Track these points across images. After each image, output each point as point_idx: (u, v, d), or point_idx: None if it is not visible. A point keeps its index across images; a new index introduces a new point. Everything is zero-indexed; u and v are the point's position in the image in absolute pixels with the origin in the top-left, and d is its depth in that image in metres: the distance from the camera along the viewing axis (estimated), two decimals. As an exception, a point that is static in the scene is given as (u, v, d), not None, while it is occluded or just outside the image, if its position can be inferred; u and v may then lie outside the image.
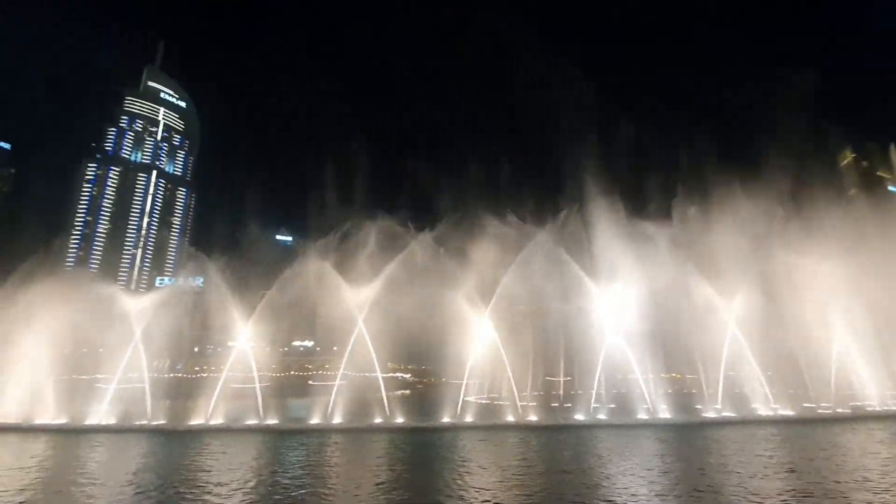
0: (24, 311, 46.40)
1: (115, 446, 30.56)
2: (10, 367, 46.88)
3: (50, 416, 43.69)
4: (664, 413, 42.63)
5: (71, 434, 37.27)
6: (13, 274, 51.45)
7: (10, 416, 41.97)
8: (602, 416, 43.24)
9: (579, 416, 43.65)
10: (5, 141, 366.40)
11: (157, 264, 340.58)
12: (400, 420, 42.35)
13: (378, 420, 42.37)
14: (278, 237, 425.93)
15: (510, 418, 42.26)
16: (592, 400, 47.65)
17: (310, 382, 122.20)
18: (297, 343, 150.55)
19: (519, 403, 48.84)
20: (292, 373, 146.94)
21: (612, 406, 50.20)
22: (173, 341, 67.84)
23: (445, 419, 41.04)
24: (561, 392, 63.84)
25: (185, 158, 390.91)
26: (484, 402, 62.45)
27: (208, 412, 44.00)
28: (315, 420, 42.20)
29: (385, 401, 46.66)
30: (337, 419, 42.68)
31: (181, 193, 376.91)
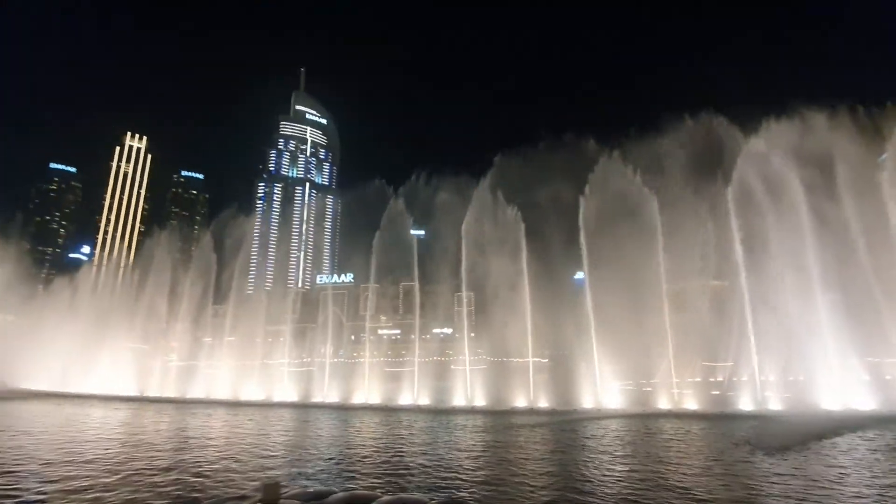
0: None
1: (333, 418, 36.32)
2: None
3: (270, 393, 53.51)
4: (860, 404, 35.28)
5: (301, 408, 45.11)
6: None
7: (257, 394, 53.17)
8: (774, 406, 37.50)
9: (745, 406, 38.55)
10: (200, 172, 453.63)
11: (317, 263, 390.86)
12: (544, 404, 42.22)
13: (522, 404, 42.87)
14: (412, 231, 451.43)
15: (663, 405, 39.13)
16: (759, 387, 41.62)
17: (451, 367, 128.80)
18: (437, 330, 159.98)
19: (674, 390, 45.01)
20: (434, 358, 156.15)
21: (788, 395, 43.26)
22: (335, 331, 77.49)
23: (588, 405, 39.73)
24: (724, 378, 56.97)
25: (330, 169, 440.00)
26: (631, 387, 58.81)
27: (367, 392, 49.28)
28: (460, 402, 44.30)
29: (530, 384, 46.94)
30: (480, 402, 44.33)
31: (329, 200, 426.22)
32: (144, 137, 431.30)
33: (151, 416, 39.34)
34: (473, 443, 24.83)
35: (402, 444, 24.35)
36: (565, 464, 19.41)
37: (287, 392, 54.22)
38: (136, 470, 18.07)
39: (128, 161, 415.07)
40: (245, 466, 18.87)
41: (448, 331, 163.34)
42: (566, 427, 30.38)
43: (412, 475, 17.20)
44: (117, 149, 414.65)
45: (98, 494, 14.72)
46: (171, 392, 60.69)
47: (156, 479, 16.64)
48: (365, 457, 20.81)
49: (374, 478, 16.75)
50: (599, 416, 35.34)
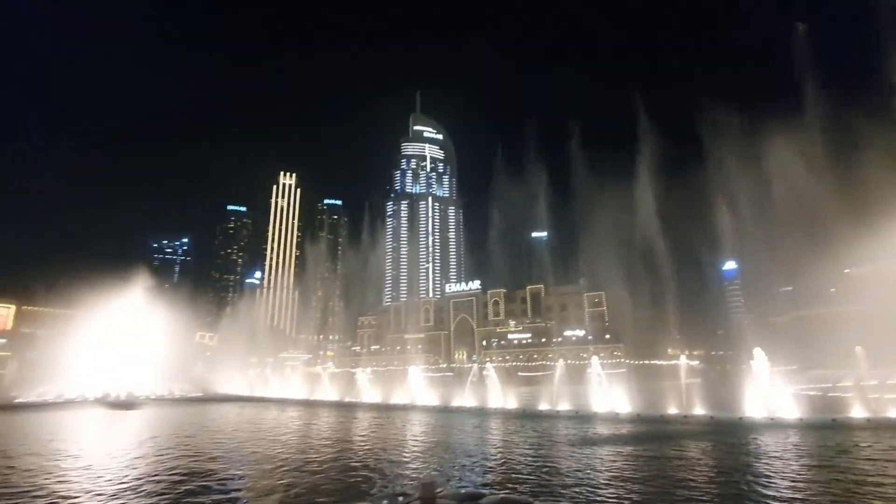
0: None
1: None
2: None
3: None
4: None
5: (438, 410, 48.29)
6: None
7: (403, 398, 57.51)
8: None
9: None
10: (339, 199, 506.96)
11: (444, 273, 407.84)
12: (700, 411, 38.04)
13: (672, 410, 39.19)
14: (534, 234, 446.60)
15: (859, 412, 32.32)
16: None
17: (588, 371, 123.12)
18: (568, 333, 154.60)
19: (870, 395, 37.15)
20: (569, 361, 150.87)
21: None
22: (467, 337, 79.65)
23: (756, 413, 34.59)
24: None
25: (450, 181, 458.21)
26: (811, 392, 50.22)
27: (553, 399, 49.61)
28: (601, 408, 42.08)
29: (682, 388, 42.83)
30: (625, 408, 41.61)
31: (451, 211, 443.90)
32: (294, 174, 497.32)
33: (322, 416, 44.91)
34: (632, 455, 23.47)
35: (551, 452, 24.05)
36: (760, 484, 17.29)
37: (428, 397, 57.24)
38: (312, 460, 20.87)
39: (282, 196, 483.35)
40: (401, 464, 20.49)
41: (580, 333, 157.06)
42: (736, 438, 26.99)
43: (579, 487, 16.92)
44: (274, 187, 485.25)
45: (290, 480, 17.37)
46: (331, 396, 68.38)
47: (346, 467, 19.01)
48: (514, 462, 21.03)
49: (527, 484, 16.85)
50: (773, 425, 30.64)
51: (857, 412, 32.68)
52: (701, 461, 20.83)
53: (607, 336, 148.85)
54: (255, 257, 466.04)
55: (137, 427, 38.65)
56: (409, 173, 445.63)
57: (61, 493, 16.39)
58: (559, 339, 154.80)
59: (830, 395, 48.39)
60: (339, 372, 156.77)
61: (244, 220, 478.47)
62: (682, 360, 49.13)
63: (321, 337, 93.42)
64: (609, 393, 46.11)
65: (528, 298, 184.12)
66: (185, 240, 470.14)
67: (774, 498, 14.56)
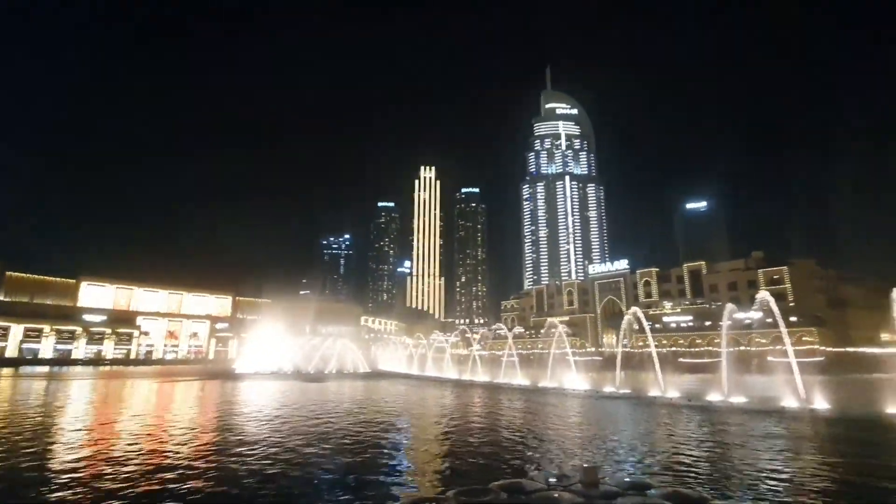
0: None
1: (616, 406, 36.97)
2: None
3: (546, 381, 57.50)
4: None
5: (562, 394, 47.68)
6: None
7: (550, 381, 58.12)
8: None
9: None
10: (476, 187, 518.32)
11: (586, 253, 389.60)
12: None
13: (893, 409, 31.60)
14: (689, 205, 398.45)
15: None
16: None
17: (769, 359, 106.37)
18: (740, 315, 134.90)
19: None
20: (740, 347, 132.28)
21: None
22: (617, 320, 75.11)
23: None
24: None
25: (588, 157, 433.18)
26: None
27: (663, 385, 45.73)
28: (790, 402, 35.95)
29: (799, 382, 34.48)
30: (821, 403, 34.87)
31: (591, 189, 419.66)
32: (433, 167, 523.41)
33: (475, 395, 47.22)
34: (825, 461, 19.90)
35: (724, 447, 21.62)
36: None
37: (577, 381, 55.72)
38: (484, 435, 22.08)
39: (424, 189, 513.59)
40: (549, 446, 20.42)
41: (756, 315, 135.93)
42: None
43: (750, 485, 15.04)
44: (416, 181, 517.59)
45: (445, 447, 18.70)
46: (481, 377, 71.27)
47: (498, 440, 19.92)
48: (681, 454, 19.40)
49: (698, 478, 15.42)
50: None
51: None
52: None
53: (792, 318, 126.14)
54: (404, 248, 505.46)
55: (334, 393, 45.47)
56: (544, 153, 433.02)
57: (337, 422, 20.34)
58: (729, 322, 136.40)
59: None
60: (486, 354, 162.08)
61: (392, 215, 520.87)
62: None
63: (467, 321, 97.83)
64: (800, 385, 38.97)
65: (687, 277, 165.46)
66: (347, 236, 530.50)
67: None
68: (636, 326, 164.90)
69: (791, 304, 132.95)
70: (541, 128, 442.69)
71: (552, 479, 12.08)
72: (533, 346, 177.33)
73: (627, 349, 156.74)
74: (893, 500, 13.42)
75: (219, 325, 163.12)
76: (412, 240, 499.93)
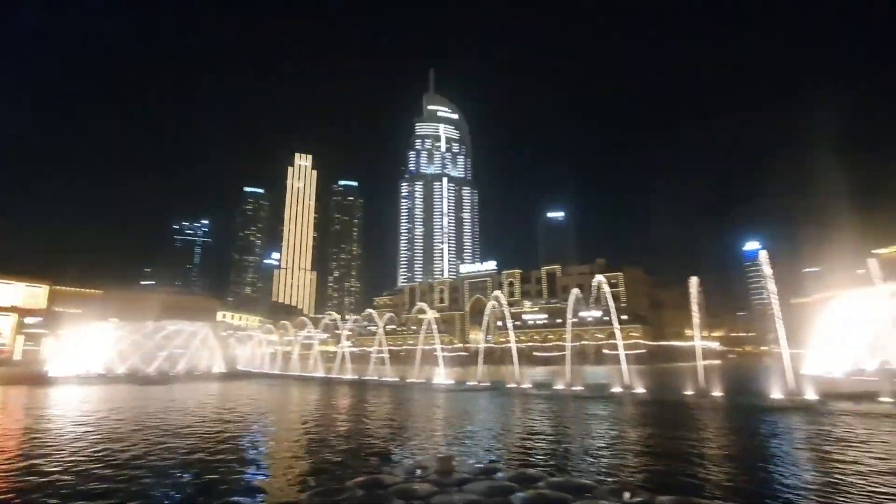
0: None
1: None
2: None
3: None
4: None
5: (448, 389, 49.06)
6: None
7: (418, 376, 58.45)
8: None
9: None
10: (354, 180, 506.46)
11: (459, 253, 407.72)
12: (717, 392, 37.74)
13: (689, 392, 38.96)
14: (550, 214, 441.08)
15: (886, 398, 31.66)
16: None
17: (604, 351, 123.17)
18: (584, 314, 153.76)
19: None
20: (584, 342, 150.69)
21: None
22: (481, 317, 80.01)
23: (777, 395, 34.16)
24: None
25: (465, 161, 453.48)
26: (837, 377, 49.34)
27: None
28: (617, 388, 42.08)
29: (699, 369, 42.56)
30: (639, 388, 41.55)
31: (466, 191, 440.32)
32: (310, 155, 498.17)
33: (343, 393, 45.93)
34: (645, 434, 23.48)
35: (565, 429, 24.21)
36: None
37: (443, 375, 57.94)
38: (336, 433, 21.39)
39: (298, 177, 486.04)
40: (412, 440, 20.84)
41: (597, 314, 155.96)
42: (743, 421, 26.74)
43: (581, 460, 17.00)
44: (289, 168, 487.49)
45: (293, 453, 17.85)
46: (350, 374, 69.84)
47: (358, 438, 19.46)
48: (530, 438, 21.20)
49: (542, 459, 16.99)
50: (793, 405, 30.20)
51: (886, 396, 31.98)
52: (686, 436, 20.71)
53: (624, 317, 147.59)
54: (273, 238, 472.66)
55: (178, 397, 40.03)
56: (424, 153, 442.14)
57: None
58: (575, 320, 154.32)
59: (855, 378, 47.50)
60: (356, 351, 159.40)
61: (261, 202, 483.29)
62: (700, 342, 48.41)
63: (338, 317, 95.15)
64: (624, 374, 46.02)
65: (544, 279, 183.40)
66: (206, 221, 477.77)
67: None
68: (499, 322, 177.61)
69: (623, 304, 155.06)
70: (422, 128, 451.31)
71: (410, 472, 12.27)
72: (404, 342, 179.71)
73: (491, 344, 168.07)
74: (692, 458, 16.37)
75: (29, 320, 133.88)
76: (283, 230, 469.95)
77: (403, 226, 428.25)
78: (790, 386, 35.32)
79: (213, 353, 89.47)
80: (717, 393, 37.59)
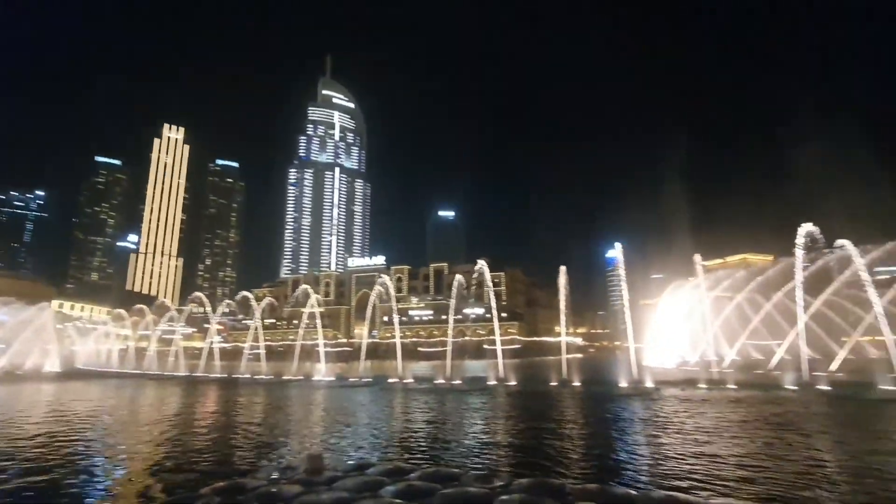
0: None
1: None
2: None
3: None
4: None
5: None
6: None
7: (296, 373, 54.75)
8: (822, 386, 36.00)
9: (791, 385, 37.18)
10: (235, 160, 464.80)
11: (348, 247, 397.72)
12: (576, 382, 42.13)
13: (554, 382, 42.91)
14: (441, 213, 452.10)
15: (703, 385, 38.31)
16: (806, 366, 40.49)
17: (484, 346, 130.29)
18: (468, 311, 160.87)
19: (715, 369, 44.68)
20: (467, 338, 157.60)
21: (841, 374, 41.72)
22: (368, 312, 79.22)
23: (624, 383, 39.32)
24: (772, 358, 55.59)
25: (359, 153, 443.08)
26: (669, 368, 58.16)
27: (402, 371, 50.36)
28: (493, 381, 44.67)
29: (563, 362, 46.95)
30: (512, 381, 44.68)
31: (359, 184, 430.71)
32: (181, 128, 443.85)
33: (206, 393, 41.68)
34: (517, 426, 25.14)
35: (434, 422, 24.91)
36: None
37: (324, 371, 56.10)
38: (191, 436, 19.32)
39: (166, 151, 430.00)
40: (294, 439, 19.83)
41: (479, 311, 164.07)
42: (595, 404, 30.29)
43: (447, 451, 17.62)
44: (156, 140, 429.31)
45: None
46: (218, 372, 63.84)
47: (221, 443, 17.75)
48: (406, 432, 21.42)
49: (411, 452, 17.26)
50: (635, 392, 34.94)
51: (702, 383, 38.71)
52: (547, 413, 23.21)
53: (504, 315, 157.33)
54: (131, 218, 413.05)
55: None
56: (317, 140, 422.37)
57: None
58: (459, 317, 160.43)
59: (682, 368, 56.80)
60: (227, 347, 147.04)
61: (118, 175, 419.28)
62: (566, 338, 53.64)
63: (209, 309, 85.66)
64: (501, 367, 49.19)
65: (432, 276, 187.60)
66: (40, 193, 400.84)
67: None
68: (385, 318, 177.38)
69: (504, 303, 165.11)
70: (315, 113, 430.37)
71: (276, 474, 11.61)
72: (283, 337, 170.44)
73: (376, 339, 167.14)
74: (550, 442, 17.97)
75: None
76: (143, 210, 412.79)
77: (290, 214, 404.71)
78: (634, 376, 40.89)
79: (46, 349, 75.42)
80: (576, 383, 41.97)
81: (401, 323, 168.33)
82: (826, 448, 17.42)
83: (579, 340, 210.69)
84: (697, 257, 52.98)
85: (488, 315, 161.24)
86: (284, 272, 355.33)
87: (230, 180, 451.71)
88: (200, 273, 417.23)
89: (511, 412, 28.37)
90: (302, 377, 53.74)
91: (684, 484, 12.71)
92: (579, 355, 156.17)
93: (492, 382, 43.91)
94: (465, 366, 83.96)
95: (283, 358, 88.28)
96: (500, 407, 30.53)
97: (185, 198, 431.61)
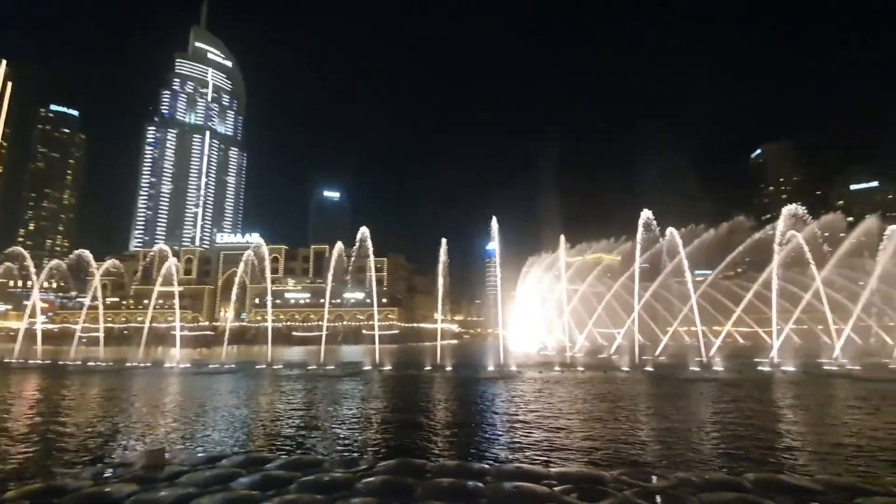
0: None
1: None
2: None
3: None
4: (716, 366, 41.58)
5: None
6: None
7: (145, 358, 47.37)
8: (648, 368, 42.89)
9: (624, 367, 43.52)
10: (75, 108, 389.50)
11: (217, 221, 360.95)
12: (449, 367, 44.02)
13: (428, 367, 44.31)
14: (326, 193, 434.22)
15: (557, 367, 42.85)
16: (637, 351, 48.06)
17: (363, 332, 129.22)
18: (348, 295, 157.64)
19: (568, 354, 50.17)
20: (345, 323, 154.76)
21: (662, 358, 49.92)
22: (237, 293, 73.05)
23: (490, 367, 42.22)
24: (612, 344, 64.16)
25: (235, 118, 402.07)
26: (531, 352, 63.81)
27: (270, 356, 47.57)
28: (368, 366, 44.59)
29: (437, 348, 48.58)
30: (388, 366, 45.13)
31: (234, 153, 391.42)
32: (3, 61, 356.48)
33: (28, 382, 34.52)
34: (358, 406, 25.32)
35: (302, 409, 24.15)
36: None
37: (181, 357, 50.54)
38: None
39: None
40: (125, 433, 17.49)
41: (360, 296, 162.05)
42: (465, 387, 32.09)
43: (317, 437, 17.17)
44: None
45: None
46: (42, 357, 53.44)
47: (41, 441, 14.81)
48: (269, 421, 20.32)
49: (273, 441, 16.46)
50: (500, 375, 37.66)
51: (557, 367, 43.29)
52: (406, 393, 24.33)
53: (385, 300, 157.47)
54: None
55: None
56: (184, 98, 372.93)
57: None
58: (339, 301, 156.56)
59: (542, 352, 62.98)
60: (55, 329, 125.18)
61: None
62: (443, 325, 55.70)
63: (33, 273, 68.38)
64: (378, 352, 49.31)
65: (312, 257, 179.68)
66: None
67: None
68: (257, 300, 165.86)
69: (385, 288, 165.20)
70: (185, 67, 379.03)
71: (107, 472, 10.16)
72: (131, 318, 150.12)
73: (245, 323, 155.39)
74: (417, 424, 18.50)
75: None
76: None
77: (145, 178, 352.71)
78: (500, 360, 44.17)
79: None
80: (448, 367, 43.90)
81: (275, 306, 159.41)
82: (644, 418, 20.76)
83: (456, 327, 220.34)
84: (562, 251, 58.92)
85: (368, 300, 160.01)
86: (135, 244, 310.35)
87: (66, 131, 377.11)
88: (21, 240, 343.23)
89: (383, 396, 28.64)
90: (150, 364, 47.73)
91: (535, 454, 14.14)
92: (455, 341, 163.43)
93: (367, 367, 43.79)
94: (341, 351, 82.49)
95: (129, 343, 77.50)
96: (373, 392, 30.62)
97: (2, 146, 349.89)
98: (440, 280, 52.30)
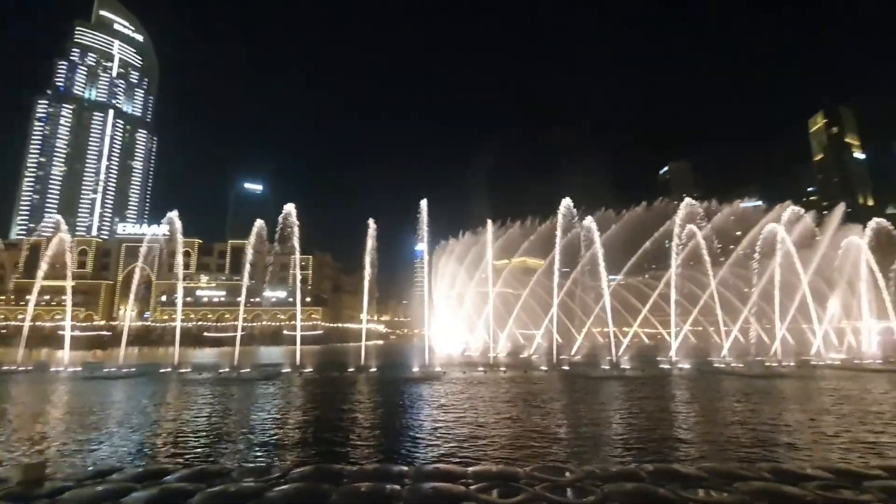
0: None
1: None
2: None
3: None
4: (625, 365, 44.91)
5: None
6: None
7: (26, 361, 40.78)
8: (565, 367, 45.39)
9: (543, 367, 45.65)
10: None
11: (119, 210, 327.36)
12: (373, 368, 43.43)
13: (352, 368, 43.38)
14: (247, 185, 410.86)
15: (480, 368, 43.90)
16: (555, 351, 50.72)
17: (284, 332, 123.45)
18: (268, 294, 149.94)
19: (491, 354, 51.63)
20: (265, 322, 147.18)
21: (578, 358, 53.02)
22: (141, 290, 66.70)
23: (415, 368, 42.28)
24: (531, 345, 66.92)
25: (145, 98, 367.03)
26: (454, 353, 64.82)
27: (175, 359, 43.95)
28: (287, 368, 42.77)
29: (362, 349, 47.66)
30: (309, 367, 43.57)
31: (142, 136, 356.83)
32: None
33: None
34: (278, 409, 24.42)
35: (210, 416, 22.65)
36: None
37: (69, 359, 45.09)
38: None
39: None
40: (5, 444, 15.24)
41: (281, 294, 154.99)
42: (390, 383, 31.90)
43: (239, 444, 16.15)
44: None
45: None
46: None
47: None
48: (171, 430, 18.75)
49: (176, 452, 15.23)
50: (424, 376, 37.82)
51: (481, 367, 44.35)
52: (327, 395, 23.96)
53: (308, 299, 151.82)
54: None
55: None
56: (84, 70, 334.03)
57: None
58: (258, 300, 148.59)
59: (466, 353, 64.23)
60: None
61: None
62: (368, 325, 54.91)
63: None
64: (299, 353, 47.38)
65: (229, 253, 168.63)
66: None
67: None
68: (164, 297, 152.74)
69: (309, 287, 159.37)
70: (86, 36, 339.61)
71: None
72: (11, 316, 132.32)
73: (148, 323, 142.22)
74: (337, 428, 18.00)
75: None
76: None
77: (33, 158, 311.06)
78: (425, 361, 44.35)
79: None
80: (373, 368, 43.30)
81: (185, 304, 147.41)
82: (559, 416, 21.93)
83: (382, 327, 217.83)
84: (489, 257, 60.55)
85: (290, 299, 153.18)
86: (18, 232, 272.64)
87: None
88: None
89: (302, 400, 27.61)
90: (31, 367, 42.09)
91: (453, 452, 14.38)
92: (381, 342, 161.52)
93: (286, 370, 41.95)
94: (258, 352, 78.43)
95: (8, 343, 68.00)
96: (291, 395, 29.40)
97: None
98: (367, 269, 50.79)
